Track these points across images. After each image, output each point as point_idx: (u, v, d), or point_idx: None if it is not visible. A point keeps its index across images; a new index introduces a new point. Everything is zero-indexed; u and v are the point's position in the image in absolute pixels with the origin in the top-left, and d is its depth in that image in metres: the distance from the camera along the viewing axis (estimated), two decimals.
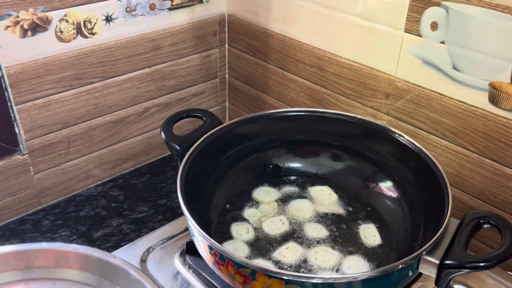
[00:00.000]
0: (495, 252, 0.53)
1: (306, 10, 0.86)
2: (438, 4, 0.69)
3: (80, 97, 0.87)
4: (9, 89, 0.78)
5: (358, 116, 0.75)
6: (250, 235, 0.69)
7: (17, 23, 0.75)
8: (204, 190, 0.71)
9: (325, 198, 0.75)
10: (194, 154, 0.67)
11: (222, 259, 0.55)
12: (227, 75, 1.09)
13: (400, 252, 0.66)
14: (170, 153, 0.71)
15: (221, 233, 0.69)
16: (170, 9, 0.91)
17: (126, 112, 0.94)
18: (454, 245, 0.56)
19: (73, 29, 0.81)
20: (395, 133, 0.71)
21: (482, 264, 0.53)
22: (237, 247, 0.66)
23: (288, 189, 0.77)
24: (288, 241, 0.68)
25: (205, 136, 0.70)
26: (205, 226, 0.65)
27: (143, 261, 0.71)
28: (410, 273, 0.57)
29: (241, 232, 0.69)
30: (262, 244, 0.67)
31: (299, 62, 0.92)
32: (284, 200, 0.75)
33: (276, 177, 0.79)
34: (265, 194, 0.76)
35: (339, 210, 0.73)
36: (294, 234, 0.69)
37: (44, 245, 0.60)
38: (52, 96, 0.83)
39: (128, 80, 0.92)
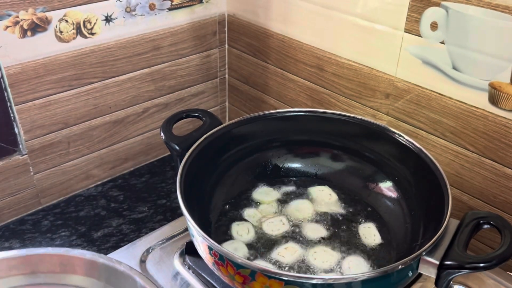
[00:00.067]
0: (495, 253, 0.53)
1: (306, 10, 0.86)
2: (438, 4, 0.69)
3: (80, 97, 0.86)
4: (9, 89, 0.78)
5: (358, 116, 0.75)
6: (251, 235, 0.69)
7: (16, 23, 0.75)
8: (204, 191, 0.71)
9: (325, 198, 0.75)
10: (193, 154, 0.67)
11: (222, 259, 0.55)
12: (227, 75, 1.09)
13: (400, 252, 0.66)
14: (169, 153, 0.71)
15: (220, 234, 0.69)
16: (170, 9, 0.91)
17: (126, 112, 0.94)
18: (454, 246, 0.55)
19: (73, 29, 0.81)
20: (395, 133, 0.71)
21: (482, 264, 0.53)
22: (237, 248, 0.66)
23: (288, 189, 0.77)
24: (287, 241, 0.68)
25: (205, 136, 0.70)
26: (204, 226, 0.65)
27: (142, 261, 0.71)
28: (410, 274, 0.57)
29: (242, 232, 0.69)
30: (262, 245, 0.67)
31: (299, 62, 0.92)
32: (284, 201, 0.75)
33: (276, 177, 0.78)
34: (265, 195, 0.76)
35: (339, 210, 0.73)
36: (294, 234, 0.69)
37: (49, 250, 0.60)
38: (51, 96, 0.83)
39: (128, 80, 0.92)
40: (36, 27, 0.77)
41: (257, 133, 0.77)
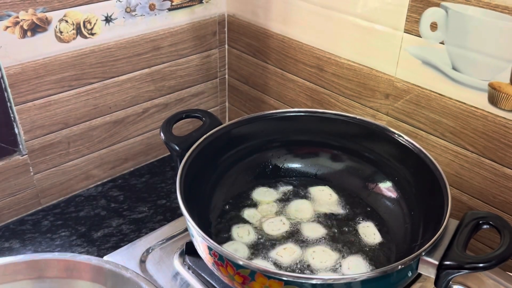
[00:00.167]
0: (495, 253, 0.53)
1: (306, 10, 0.86)
2: (438, 5, 0.69)
3: (80, 98, 0.87)
4: (9, 90, 0.78)
5: (358, 117, 0.75)
6: (251, 237, 0.68)
7: (16, 23, 0.75)
8: (204, 191, 0.71)
9: (325, 198, 0.75)
10: (193, 155, 0.67)
11: (221, 259, 0.55)
12: (226, 76, 1.09)
13: (399, 252, 0.66)
14: (169, 153, 0.71)
15: (220, 234, 0.69)
16: (169, 9, 0.92)
17: (126, 113, 0.94)
18: (453, 246, 0.55)
19: (73, 29, 0.81)
20: (395, 133, 0.71)
21: (481, 264, 0.53)
22: (237, 248, 0.66)
23: (288, 189, 0.77)
24: (287, 242, 0.68)
25: (205, 136, 0.70)
26: (204, 226, 0.65)
27: (142, 261, 0.71)
28: (410, 274, 0.57)
29: (242, 234, 0.69)
30: (262, 245, 0.67)
31: (298, 63, 0.92)
32: (284, 201, 0.75)
33: (276, 178, 0.79)
34: (265, 195, 0.76)
35: (338, 210, 0.73)
36: (294, 235, 0.69)
37: (56, 255, 0.60)
38: (52, 97, 0.83)
39: (128, 80, 0.92)
40: (36, 28, 0.77)
41: (257, 133, 0.77)
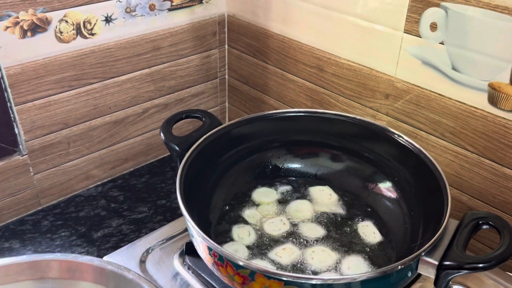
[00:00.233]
0: (494, 253, 0.53)
1: (306, 10, 0.86)
2: (438, 5, 0.69)
3: (80, 98, 0.87)
4: (9, 90, 0.78)
5: (358, 117, 0.75)
6: (252, 237, 0.68)
7: (16, 23, 0.75)
8: (204, 191, 0.71)
9: (325, 198, 0.75)
10: (193, 155, 0.67)
11: (221, 260, 0.56)
12: (226, 76, 1.09)
13: (399, 252, 0.66)
14: (169, 153, 0.71)
15: (220, 234, 0.69)
16: (169, 9, 0.92)
17: (126, 113, 0.94)
18: (453, 246, 0.55)
19: (73, 29, 0.81)
20: (395, 133, 0.71)
21: (481, 265, 0.53)
22: (237, 248, 0.66)
23: (288, 189, 0.77)
24: (287, 242, 0.68)
25: (205, 136, 0.70)
26: (204, 227, 0.65)
27: (142, 261, 0.71)
28: (409, 274, 0.57)
29: (243, 235, 0.69)
30: (262, 245, 0.67)
31: (298, 63, 0.92)
32: (284, 201, 0.75)
33: (276, 178, 0.79)
34: (265, 195, 0.76)
35: (338, 210, 0.73)
36: (294, 235, 0.69)
37: (58, 255, 0.60)
38: (52, 97, 0.83)
39: (128, 80, 0.92)
40: (36, 28, 0.77)
41: (257, 133, 0.77)
